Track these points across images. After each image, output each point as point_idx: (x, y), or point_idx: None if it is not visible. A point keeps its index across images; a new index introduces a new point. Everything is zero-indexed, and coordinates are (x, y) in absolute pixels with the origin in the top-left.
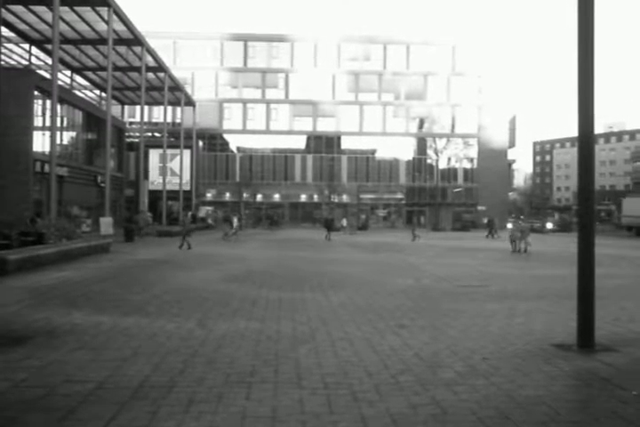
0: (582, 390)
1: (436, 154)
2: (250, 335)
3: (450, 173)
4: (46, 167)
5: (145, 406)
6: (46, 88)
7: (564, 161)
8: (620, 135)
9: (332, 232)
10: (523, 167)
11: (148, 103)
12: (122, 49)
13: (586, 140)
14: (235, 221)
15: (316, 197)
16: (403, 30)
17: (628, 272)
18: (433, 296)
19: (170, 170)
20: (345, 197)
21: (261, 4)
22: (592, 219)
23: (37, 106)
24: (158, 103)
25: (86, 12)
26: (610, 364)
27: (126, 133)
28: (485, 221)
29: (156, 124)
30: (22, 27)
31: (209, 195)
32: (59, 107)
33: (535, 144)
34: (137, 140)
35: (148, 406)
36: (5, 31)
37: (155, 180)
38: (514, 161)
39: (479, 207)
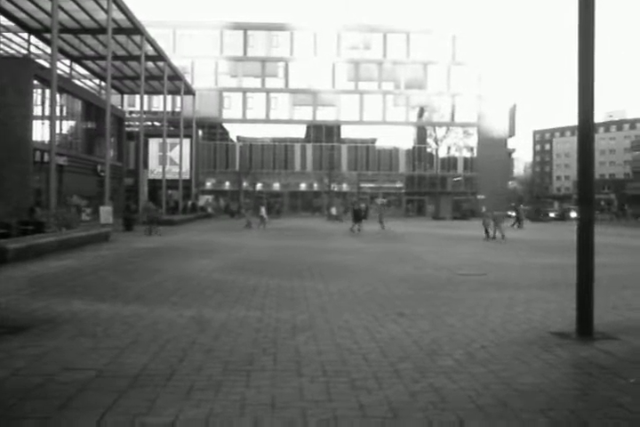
0: (581, 378)
1: (436, 143)
2: (249, 323)
3: (449, 162)
4: (46, 156)
5: (144, 394)
6: (45, 77)
7: (564, 150)
8: (620, 124)
9: (332, 221)
10: (522, 156)
11: (147, 92)
12: (121, 38)
13: (586, 129)
14: (263, 210)
15: (315, 185)
16: (403, 19)
17: (626, 261)
18: (432, 285)
19: (169, 159)
20: (345, 186)
21: None
22: (592, 208)
23: (37, 95)
24: (158, 92)
25: (85, 0)
26: (608, 352)
27: (126, 123)
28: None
29: (156, 113)
30: (21, 15)
31: (208, 184)
32: (58, 96)
33: (535, 133)
34: (136, 129)
35: (147, 393)
36: (4, 20)
37: (154, 169)
38: (514, 150)
39: (479, 196)
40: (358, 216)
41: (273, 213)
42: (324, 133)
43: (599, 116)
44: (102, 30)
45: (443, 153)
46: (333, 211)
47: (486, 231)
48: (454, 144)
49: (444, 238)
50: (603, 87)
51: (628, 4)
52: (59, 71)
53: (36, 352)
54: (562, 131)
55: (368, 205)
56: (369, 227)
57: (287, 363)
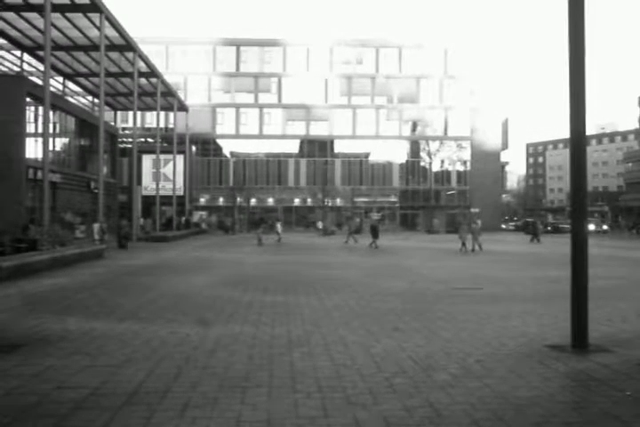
0: (576, 390)
1: (430, 157)
2: (244, 340)
3: (443, 176)
4: (39, 174)
5: (139, 412)
6: (38, 95)
7: (557, 162)
8: (612, 136)
9: (330, 234)
10: (516, 169)
11: (140, 109)
12: (114, 55)
13: (578, 141)
14: (278, 226)
15: (309, 201)
16: (395, 34)
17: (620, 272)
18: (426, 299)
19: (163, 175)
20: (339, 201)
21: (253, 8)
22: (585, 220)
23: (30, 112)
24: (151, 109)
25: (78, 18)
26: (604, 364)
27: (119, 139)
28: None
29: (149, 129)
30: (14, 33)
31: (202, 200)
32: (51, 113)
33: (528, 146)
34: (130, 145)
35: (142, 411)
36: None
37: (148, 185)
38: (507, 163)
39: (472, 209)
40: (375, 232)
41: (267, 229)
42: (317, 148)
43: (591, 129)
44: (95, 47)
45: (436, 167)
46: (319, 225)
47: (463, 244)
48: (448, 158)
49: (437, 252)
50: (594, 99)
51: (619, 18)
52: (52, 88)
53: (31, 371)
54: (555, 143)
55: (362, 220)
56: (363, 241)
57: (283, 379)
